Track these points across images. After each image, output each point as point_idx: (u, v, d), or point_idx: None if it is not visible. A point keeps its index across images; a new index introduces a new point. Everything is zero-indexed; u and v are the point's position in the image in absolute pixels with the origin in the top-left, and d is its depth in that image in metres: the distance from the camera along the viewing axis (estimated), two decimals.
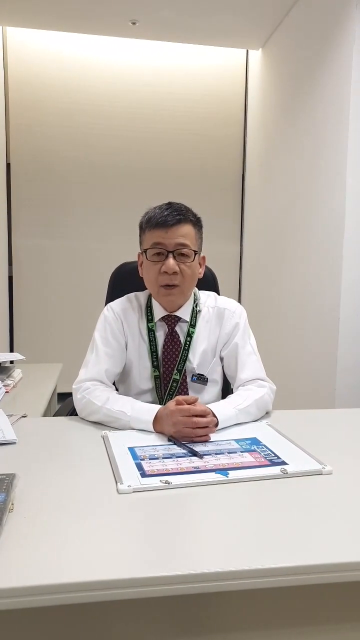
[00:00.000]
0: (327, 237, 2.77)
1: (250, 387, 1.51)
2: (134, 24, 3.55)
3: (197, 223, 1.52)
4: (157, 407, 1.34)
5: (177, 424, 1.24)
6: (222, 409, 1.35)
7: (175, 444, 1.23)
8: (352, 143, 2.55)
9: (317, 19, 2.93)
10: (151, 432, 1.31)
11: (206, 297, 1.65)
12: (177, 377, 1.54)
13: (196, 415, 1.25)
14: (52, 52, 3.92)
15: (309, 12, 3.05)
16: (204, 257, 1.59)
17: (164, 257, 1.47)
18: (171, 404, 1.30)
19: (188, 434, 1.24)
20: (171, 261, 1.45)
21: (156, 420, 1.30)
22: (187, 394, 1.55)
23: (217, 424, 1.32)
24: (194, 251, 1.49)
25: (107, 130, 4.05)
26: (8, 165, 3.96)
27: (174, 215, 1.45)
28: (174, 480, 1.03)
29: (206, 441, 1.26)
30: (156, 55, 4.04)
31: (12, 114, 3.93)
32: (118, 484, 1.00)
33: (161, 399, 1.55)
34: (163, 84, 4.08)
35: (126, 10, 3.36)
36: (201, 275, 1.58)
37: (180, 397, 1.31)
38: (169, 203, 1.50)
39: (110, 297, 1.76)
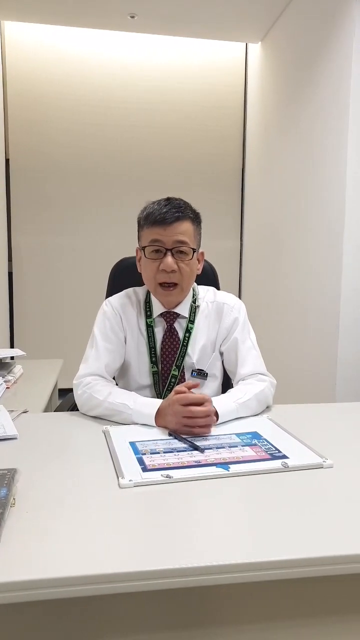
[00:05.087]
0: (328, 231, 2.77)
1: (250, 381, 1.51)
2: (132, 17, 3.54)
3: (196, 219, 1.51)
4: (159, 401, 1.34)
5: (177, 413, 1.25)
6: (223, 403, 1.35)
7: (176, 438, 1.23)
8: (352, 136, 2.54)
9: (316, 11, 2.91)
10: (152, 426, 1.31)
11: (205, 292, 1.64)
12: (176, 374, 1.54)
13: (194, 404, 1.25)
14: (50, 46, 3.90)
15: (308, 4, 3.04)
16: (202, 253, 1.58)
17: (162, 255, 1.46)
18: (172, 394, 1.30)
19: (188, 423, 1.24)
20: (169, 259, 1.45)
21: (158, 413, 1.31)
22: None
23: (217, 417, 1.32)
24: (193, 249, 1.48)
25: (106, 125, 4.04)
26: (7, 161, 3.95)
27: (172, 212, 1.44)
28: (175, 474, 1.03)
29: (207, 433, 1.26)
30: (155, 49, 4.02)
31: (11, 109, 3.92)
32: (119, 478, 1.01)
33: (160, 395, 1.55)
34: (162, 78, 4.06)
35: (125, 3, 3.35)
36: (199, 272, 1.58)
37: (179, 386, 1.31)
38: (168, 199, 1.49)
39: (110, 292, 1.76)
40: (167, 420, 1.28)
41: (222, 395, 1.44)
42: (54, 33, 3.88)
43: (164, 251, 1.46)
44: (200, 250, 1.56)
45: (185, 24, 3.65)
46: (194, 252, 1.49)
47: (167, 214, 1.44)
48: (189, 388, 1.30)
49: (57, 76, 3.93)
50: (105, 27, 3.80)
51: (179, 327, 1.57)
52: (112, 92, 4.02)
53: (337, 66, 2.66)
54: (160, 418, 1.31)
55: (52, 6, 3.42)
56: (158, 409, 1.31)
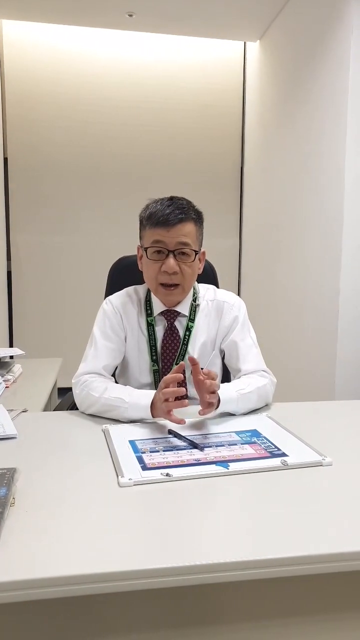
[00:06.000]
0: (326, 229, 2.77)
1: (252, 375, 1.51)
2: (130, 16, 3.53)
3: (198, 220, 1.50)
4: (154, 391, 1.34)
5: (161, 400, 1.25)
6: (225, 391, 1.35)
7: (175, 436, 1.23)
8: (350, 134, 2.54)
9: (314, 9, 2.91)
10: (151, 424, 1.32)
11: (205, 290, 1.64)
12: None
13: (172, 384, 1.26)
14: (48, 44, 3.90)
15: (306, 3, 3.03)
16: (203, 252, 1.58)
17: (164, 256, 1.46)
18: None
19: (166, 408, 1.25)
20: (171, 261, 1.45)
21: (153, 404, 1.31)
22: (186, 388, 1.55)
23: (218, 404, 1.33)
24: (195, 251, 1.48)
25: (104, 124, 4.03)
26: (5, 160, 3.95)
27: (176, 214, 1.43)
28: (175, 472, 1.03)
29: (185, 395, 1.27)
30: (153, 48, 4.02)
31: (9, 107, 3.91)
32: (119, 477, 1.01)
33: None
34: (160, 77, 4.06)
35: (123, 2, 3.34)
36: (200, 271, 1.58)
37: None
38: (171, 198, 1.48)
39: (110, 291, 1.75)
40: (158, 409, 1.29)
41: (225, 384, 1.44)
42: (52, 31, 3.87)
43: (166, 252, 1.45)
44: (202, 250, 1.56)
45: (183, 22, 3.65)
46: (196, 253, 1.49)
47: (170, 215, 1.43)
48: (178, 371, 1.29)
49: (55, 74, 3.93)
50: (103, 25, 3.80)
51: (180, 325, 1.57)
52: (110, 91, 4.01)
53: (335, 64, 2.66)
54: (154, 409, 1.31)
55: (50, 4, 3.42)
56: (152, 399, 1.31)
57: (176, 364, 1.54)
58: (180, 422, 1.24)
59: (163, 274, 1.46)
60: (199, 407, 1.30)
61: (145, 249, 1.48)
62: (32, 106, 3.94)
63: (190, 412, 1.35)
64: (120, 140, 4.07)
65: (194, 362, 1.28)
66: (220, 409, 1.35)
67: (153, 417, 1.32)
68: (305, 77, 3.05)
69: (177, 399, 1.27)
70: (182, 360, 1.55)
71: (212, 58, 4.12)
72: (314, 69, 2.92)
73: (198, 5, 3.35)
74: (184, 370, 1.55)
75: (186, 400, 1.26)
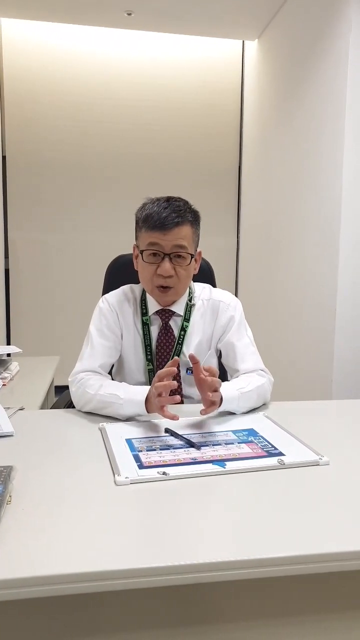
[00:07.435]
0: (324, 228, 2.77)
1: (251, 374, 1.51)
2: (129, 14, 3.53)
3: (195, 221, 1.50)
4: (149, 387, 1.33)
5: (155, 395, 1.25)
6: (226, 390, 1.35)
7: (172, 435, 1.23)
8: (349, 134, 2.54)
9: (313, 8, 2.91)
10: (148, 422, 1.31)
11: (201, 290, 1.64)
12: None
13: (165, 378, 1.25)
14: (47, 43, 3.89)
15: (305, 1, 3.03)
16: (199, 253, 1.57)
17: (160, 259, 1.45)
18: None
19: (158, 403, 1.24)
20: (167, 264, 1.44)
21: (147, 399, 1.30)
22: (181, 388, 1.55)
23: (220, 402, 1.31)
24: (191, 254, 1.48)
25: (102, 122, 4.03)
26: (3, 158, 3.94)
27: (172, 217, 1.42)
28: (171, 471, 1.03)
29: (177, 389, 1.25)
30: (152, 47, 4.02)
31: (7, 106, 3.91)
32: (115, 475, 1.00)
33: None
34: (159, 76, 4.06)
35: (122, 0, 3.33)
36: (196, 272, 1.57)
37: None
38: (168, 199, 1.47)
39: (107, 289, 1.75)
40: (152, 404, 1.28)
41: (225, 382, 1.42)
42: (50, 30, 3.87)
43: (162, 255, 1.45)
44: (198, 250, 1.55)
45: (182, 21, 3.64)
46: (191, 256, 1.48)
47: (166, 219, 1.42)
48: (172, 365, 1.28)
49: (53, 73, 3.92)
50: (101, 24, 3.79)
51: (175, 325, 1.57)
52: (109, 90, 4.01)
53: (333, 63, 2.66)
54: (149, 404, 1.30)
55: (49, 3, 3.41)
56: (147, 395, 1.31)
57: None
58: (173, 417, 1.23)
59: (158, 276, 1.46)
60: (195, 406, 1.30)
61: (141, 251, 1.48)
62: (31, 105, 3.93)
63: (186, 411, 1.35)
64: (117, 138, 4.07)
65: (194, 360, 1.26)
66: (222, 408, 1.33)
67: (148, 412, 1.31)
68: (303, 76, 3.05)
69: (171, 393, 1.26)
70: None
71: (211, 57, 4.12)
72: (312, 67, 2.92)
73: (196, 3, 3.34)
74: (179, 366, 1.55)
75: (178, 396, 1.25)
